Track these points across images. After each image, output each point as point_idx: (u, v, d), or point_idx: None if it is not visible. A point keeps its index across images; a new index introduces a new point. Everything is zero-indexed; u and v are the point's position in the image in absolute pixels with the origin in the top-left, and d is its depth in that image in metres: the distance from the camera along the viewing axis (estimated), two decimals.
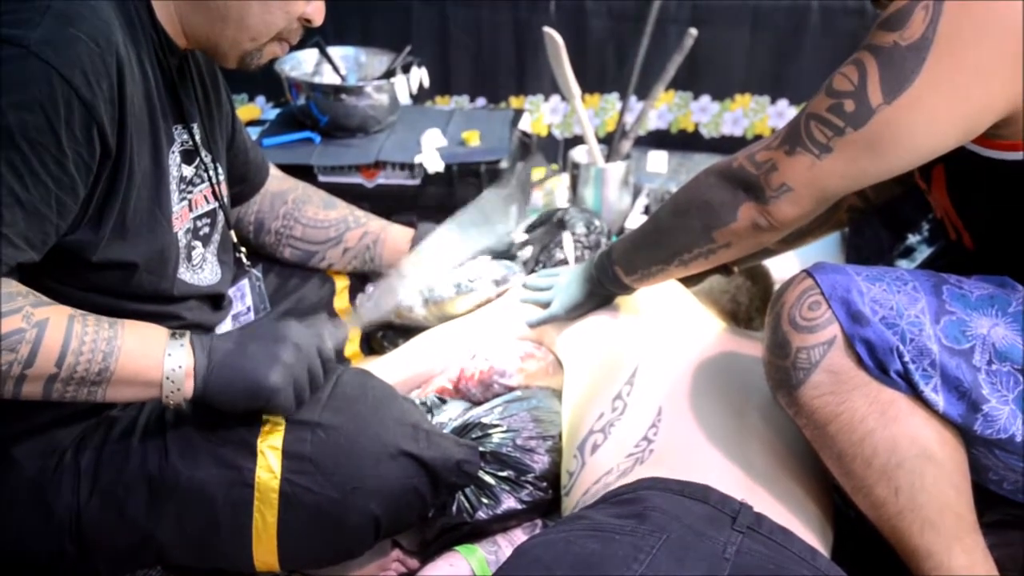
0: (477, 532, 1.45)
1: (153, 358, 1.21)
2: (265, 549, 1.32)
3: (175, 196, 1.35)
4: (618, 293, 1.58)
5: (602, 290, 1.58)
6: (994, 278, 1.24)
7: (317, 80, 2.48)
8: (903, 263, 1.62)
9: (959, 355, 1.16)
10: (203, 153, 1.43)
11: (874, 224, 1.68)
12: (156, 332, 1.24)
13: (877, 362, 1.17)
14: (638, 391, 1.42)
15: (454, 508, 1.44)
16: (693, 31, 2.32)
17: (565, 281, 1.65)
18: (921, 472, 1.18)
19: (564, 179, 2.57)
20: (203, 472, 1.29)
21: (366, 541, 1.35)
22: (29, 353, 1.13)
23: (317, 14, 1.35)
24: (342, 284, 1.83)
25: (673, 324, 1.56)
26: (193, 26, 1.32)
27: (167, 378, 1.21)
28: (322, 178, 2.25)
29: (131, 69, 1.21)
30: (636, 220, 2.43)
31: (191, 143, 1.40)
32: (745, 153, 1.32)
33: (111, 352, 1.18)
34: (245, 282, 1.66)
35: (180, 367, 1.22)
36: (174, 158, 1.36)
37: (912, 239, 1.62)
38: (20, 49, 1.10)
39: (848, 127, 1.19)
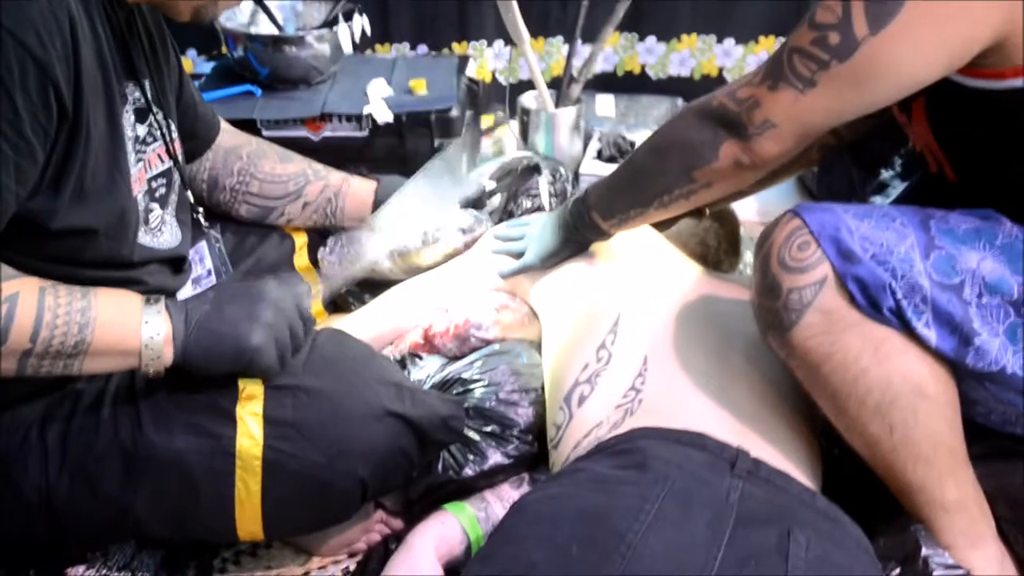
0: (464, 489, 1.42)
1: (130, 327, 1.16)
2: (249, 518, 1.28)
3: (132, 157, 1.29)
4: (594, 239, 1.55)
5: (578, 237, 1.55)
6: (978, 211, 1.23)
7: (254, 31, 2.39)
8: (877, 199, 1.62)
9: (950, 290, 1.15)
10: (155, 110, 1.37)
11: (844, 161, 1.67)
12: (131, 299, 1.19)
13: (870, 300, 1.15)
14: (622, 340, 1.40)
15: (439, 466, 1.41)
16: None
17: (538, 230, 1.62)
18: (915, 408, 1.18)
19: (513, 126, 2.53)
20: (180, 442, 1.24)
21: (353, 505, 1.32)
22: (2, 329, 1.07)
23: None
24: (301, 241, 1.77)
25: (651, 270, 1.54)
26: None
27: (145, 346, 1.16)
28: (266, 132, 2.18)
29: (82, 26, 1.14)
30: (590, 165, 2.40)
31: (143, 101, 1.34)
32: (725, 91, 1.29)
33: (86, 323, 1.12)
34: (203, 244, 1.60)
35: (158, 334, 1.17)
36: (128, 117, 1.29)
37: (885, 174, 1.61)
38: None
39: (833, 60, 1.17)
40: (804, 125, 1.23)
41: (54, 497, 1.25)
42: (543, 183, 1.83)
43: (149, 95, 1.35)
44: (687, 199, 1.37)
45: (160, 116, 1.38)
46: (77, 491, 1.25)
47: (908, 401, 1.17)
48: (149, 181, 1.36)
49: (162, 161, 1.40)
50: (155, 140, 1.38)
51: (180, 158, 1.45)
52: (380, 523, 1.47)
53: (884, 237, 1.17)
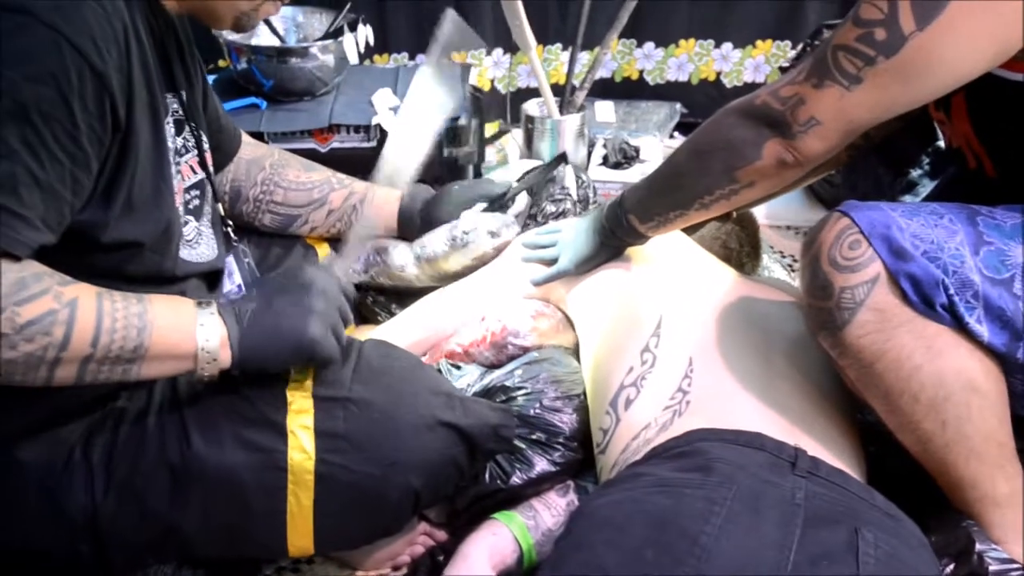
0: (511, 498, 1.41)
1: (186, 330, 1.15)
2: (300, 533, 1.26)
3: (172, 169, 1.28)
4: (631, 243, 1.54)
5: (614, 241, 1.54)
6: (1020, 207, 1.24)
7: (255, 42, 2.37)
8: (907, 198, 1.63)
9: (1000, 285, 1.16)
10: (190, 122, 1.36)
11: (870, 161, 1.67)
12: (184, 304, 1.18)
13: (923, 297, 1.16)
14: (666, 342, 1.39)
15: (487, 476, 1.40)
16: None
17: (571, 235, 1.61)
18: (967, 404, 1.18)
19: (516, 134, 2.52)
20: (230, 457, 1.22)
21: (405, 517, 1.31)
22: (64, 335, 1.05)
23: None
24: (324, 251, 1.76)
25: (688, 273, 1.54)
26: None
27: (202, 349, 1.15)
28: (273, 145, 2.16)
29: (132, 34, 1.13)
30: (596, 172, 2.40)
31: (181, 112, 1.34)
32: (767, 90, 1.29)
33: (144, 327, 1.11)
34: (231, 258, 1.58)
35: (214, 336, 1.16)
36: (169, 129, 1.28)
37: (913, 174, 1.62)
38: (27, 17, 1.03)
39: (879, 56, 1.17)
40: (849, 122, 1.23)
41: (100, 516, 1.23)
42: (570, 174, 1.82)
43: (186, 106, 1.34)
44: (728, 199, 1.36)
45: (194, 127, 1.38)
46: (124, 509, 1.23)
47: (961, 397, 1.18)
48: (185, 192, 1.35)
49: (194, 172, 1.39)
50: (188, 152, 1.37)
51: (212, 169, 1.43)
52: (424, 535, 1.46)
53: (934, 234, 1.17)
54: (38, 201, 1.04)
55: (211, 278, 1.43)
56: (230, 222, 1.55)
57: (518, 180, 1.83)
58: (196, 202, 1.39)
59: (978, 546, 1.21)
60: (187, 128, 1.36)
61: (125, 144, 1.15)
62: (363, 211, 1.67)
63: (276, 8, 1.33)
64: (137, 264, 1.23)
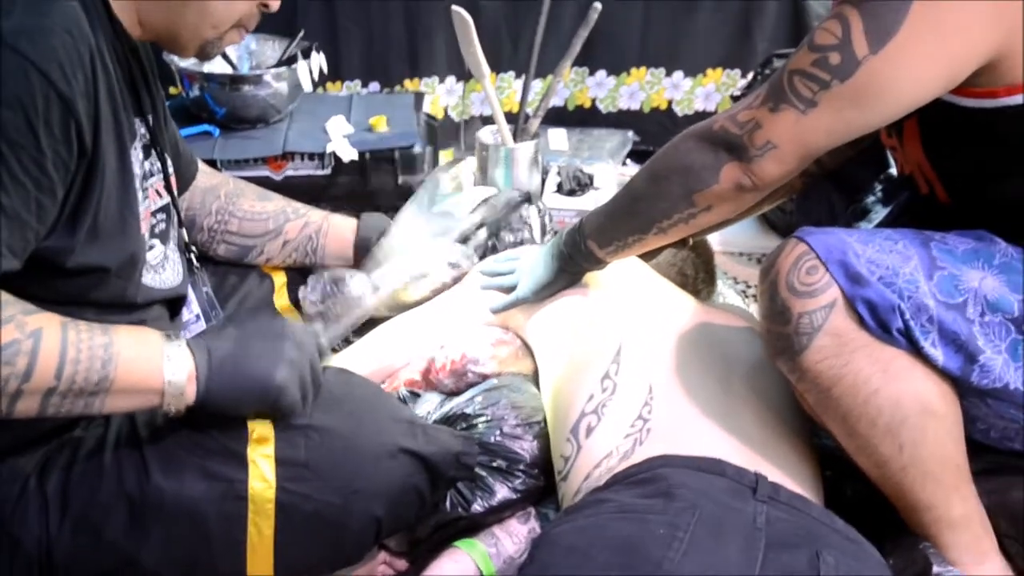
0: (472, 526, 1.40)
1: (153, 363, 1.13)
2: (261, 563, 1.24)
3: (139, 195, 1.27)
4: (590, 268, 1.55)
5: (572, 267, 1.54)
6: (971, 232, 1.27)
7: (208, 69, 2.36)
8: (861, 225, 1.65)
9: (954, 309, 1.18)
10: (156, 146, 1.35)
11: (824, 187, 1.69)
12: (151, 336, 1.16)
13: (879, 321, 1.18)
14: (625, 370, 1.40)
15: (447, 504, 1.39)
16: (597, 5, 2.29)
17: (530, 263, 1.61)
18: (923, 427, 1.20)
19: (470, 162, 2.52)
20: (190, 487, 1.20)
21: (367, 545, 1.30)
22: (27, 366, 1.04)
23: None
24: (280, 281, 1.75)
25: (647, 300, 1.55)
26: (151, 16, 1.25)
27: (168, 383, 1.13)
28: (226, 172, 2.14)
29: (99, 60, 1.13)
30: (550, 199, 2.41)
31: (148, 137, 1.33)
32: (725, 115, 1.31)
33: (109, 359, 1.09)
34: (188, 287, 1.56)
35: (181, 371, 1.14)
36: (136, 154, 1.27)
37: (867, 200, 1.64)
38: None
39: (834, 80, 1.19)
40: (805, 145, 1.25)
41: (55, 550, 1.20)
42: (534, 214, 1.83)
43: (152, 131, 1.34)
44: (687, 223, 1.37)
45: (160, 151, 1.38)
46: (80, 542, 1.21)
47: (917, 420, 1.20)
48: (152, 216, 1.35)
49: (160, 196, 1.38)
50: (154, 175, 1.36)
51: (176, 193, 1.43)
52: (384, 564, 1.44)
53: (889, 260, 1.19)
54: (2, 228, 1.03)
55: (173, 305, 1.42)
56: (194, 248, 1.54)
57: (475, 210, 1.83)
58: (163, 226, 1.38)
59: (935, 568, 1.22)
60: (154, 152, 1.35)
61: (91, 170, 1.14)
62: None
63: (241, 36, 1.33)
64: (102, 290, 1.22)
